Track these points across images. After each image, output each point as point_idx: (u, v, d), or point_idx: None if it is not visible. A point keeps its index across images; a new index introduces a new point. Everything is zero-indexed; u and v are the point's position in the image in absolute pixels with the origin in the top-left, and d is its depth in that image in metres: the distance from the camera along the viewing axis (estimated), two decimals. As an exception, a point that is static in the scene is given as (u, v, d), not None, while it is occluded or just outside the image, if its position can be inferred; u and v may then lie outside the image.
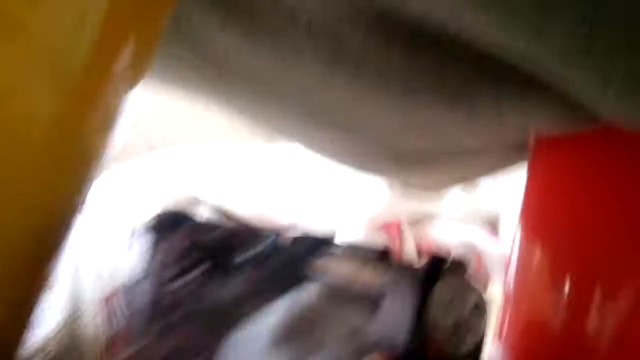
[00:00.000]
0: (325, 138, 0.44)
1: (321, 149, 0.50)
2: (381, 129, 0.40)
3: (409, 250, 0.94)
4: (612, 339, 0.34)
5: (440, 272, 0.22)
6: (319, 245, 0.27)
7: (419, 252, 0.97)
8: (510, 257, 0.41)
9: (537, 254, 0.39)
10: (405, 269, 0.22)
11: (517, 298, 0.39)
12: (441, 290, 0.21)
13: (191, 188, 0.79)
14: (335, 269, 0.26)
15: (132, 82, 0.25)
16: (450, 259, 0.22)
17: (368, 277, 0.25)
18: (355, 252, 0.27)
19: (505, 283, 0.41)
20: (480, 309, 0.21)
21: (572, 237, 0.37)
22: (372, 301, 0.23)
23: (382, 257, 0.25)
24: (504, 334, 0.39)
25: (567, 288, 0.36)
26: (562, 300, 0.36)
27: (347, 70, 0.31)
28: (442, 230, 0.97)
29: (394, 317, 0.21)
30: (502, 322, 0.40)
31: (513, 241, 0.41)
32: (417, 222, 0.99)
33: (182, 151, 1.20)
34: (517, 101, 0.31)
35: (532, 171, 0.42)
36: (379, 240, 0.73)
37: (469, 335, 0.21)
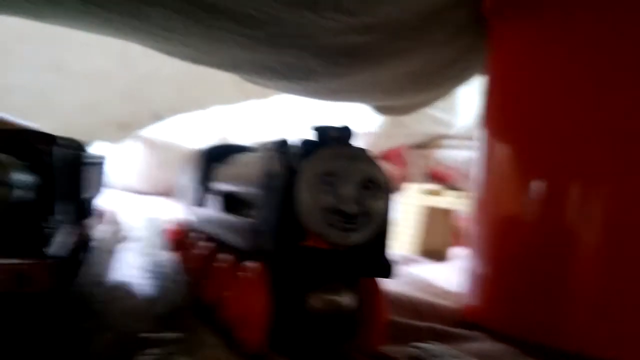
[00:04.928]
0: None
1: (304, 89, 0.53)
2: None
3: (416, 175, 0.94)
4: (595, 230, 0.33)
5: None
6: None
7: (427, 175, 0.96)
8: (476, 162, 0.41)
9: (503, 157, 0.38)
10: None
11: (485, 202, 0.39)
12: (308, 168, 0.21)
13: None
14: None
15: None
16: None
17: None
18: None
19: (471, 188, 0.41)
20: (372, 190, 0.20)
21: (539, 138, 0.35)
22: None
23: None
24: (474, 237, 0.39)
25: (537, 191, 0.35)
26: (534, 202, 0.35)
27: None
28: (450, 150, 0.96)
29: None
30: (472, 226, 0.40)
31: (478, 145, 0.41)
32: (424, 146, 0.98)
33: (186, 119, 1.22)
34: None
35: (491, 68, 0.41)
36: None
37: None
